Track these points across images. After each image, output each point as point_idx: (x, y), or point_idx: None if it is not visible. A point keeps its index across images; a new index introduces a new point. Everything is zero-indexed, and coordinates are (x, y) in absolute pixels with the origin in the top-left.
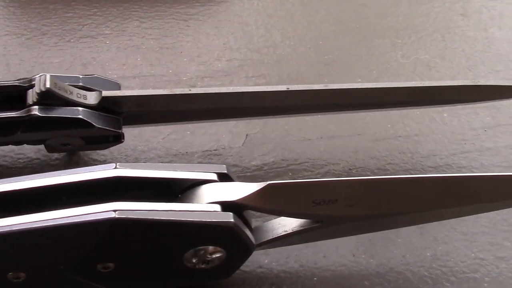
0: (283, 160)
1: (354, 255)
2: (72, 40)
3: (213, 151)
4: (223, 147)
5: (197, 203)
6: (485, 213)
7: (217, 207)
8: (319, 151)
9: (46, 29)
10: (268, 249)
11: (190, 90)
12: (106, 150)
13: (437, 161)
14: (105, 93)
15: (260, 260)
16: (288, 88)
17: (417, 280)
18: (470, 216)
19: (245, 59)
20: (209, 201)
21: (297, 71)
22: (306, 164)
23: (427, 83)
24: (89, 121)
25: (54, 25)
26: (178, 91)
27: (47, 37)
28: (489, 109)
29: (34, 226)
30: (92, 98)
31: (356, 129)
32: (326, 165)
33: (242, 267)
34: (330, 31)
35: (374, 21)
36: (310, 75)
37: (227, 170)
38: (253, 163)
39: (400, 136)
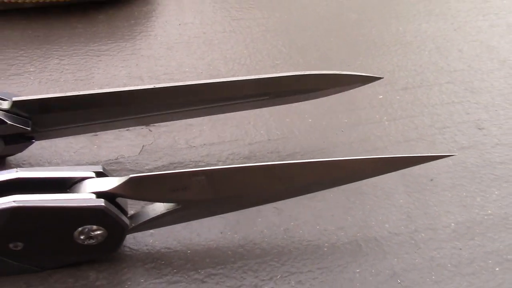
0: (170, 163)
1: (221, 233)
2: (2, 78)
3: (115, 160)
4: (123, 156)
5: (77, 193)
6: (330, 192)
7: (93, 196)
8: (201, 155)
9: None
10: (153, 231)
11: (86, 92)
12: (24, 163)
13: (299, 157)
14: (15, 98)
15: (146, 240)
16: (154, 87)
17: (270, 248)
18: (318, 196)
19: (145, 84)
20: (88, 191)
21: None
22: (189, 166)
23: (267, 75)
24: (1, 118)
25: None
26: (75, 93)
27: None
28: (348, 113)
29: None
30: (5, 104)
31: (234, 136)
32: (206, 166)
33: (131, 246)
34: (221, 64)
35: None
36: None
37: (103, 169)
38: (147, 167)
39: (270, 140)
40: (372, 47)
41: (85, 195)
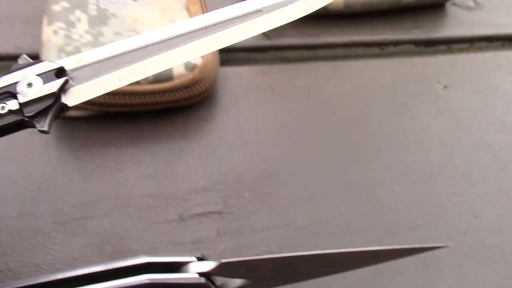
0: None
1: None
2: (111, 173)
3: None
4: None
5: (187, 273)
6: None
7: (197, 275)
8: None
9: (93, 167)
10: None
11: None
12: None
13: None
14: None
15: None
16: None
17: None
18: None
19: (215, 179)
20: (193, 272)
21: None
22: (254, 247)
23: None
24: None
25: (97, 164)
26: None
27: (96, 173)
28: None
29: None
30: None
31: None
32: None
33: None
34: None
35: None
36: None
37: (202, 255)
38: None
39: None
40: (391, 143)
41: (192, 275)
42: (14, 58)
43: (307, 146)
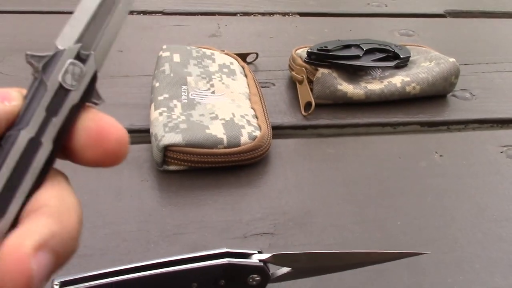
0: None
1: (310, 287)
2: (196, 206)
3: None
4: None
5: (252, 260)
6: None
7: (257, 261)
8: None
9: (184, 202)
10: (274, 285)
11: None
12: None
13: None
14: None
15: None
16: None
17: None
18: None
19: (268, 212)
20: (255, 259)
21: None
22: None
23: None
24: None
25: (188, 199)
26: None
27: (186, 205)
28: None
29: (200, 265)
30: None
31: None
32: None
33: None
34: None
35: None
36: None
37: (260, 249)
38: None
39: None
40: (396, 192)
41: (255, 261)
42: (130, 131)
43: (334, 193)
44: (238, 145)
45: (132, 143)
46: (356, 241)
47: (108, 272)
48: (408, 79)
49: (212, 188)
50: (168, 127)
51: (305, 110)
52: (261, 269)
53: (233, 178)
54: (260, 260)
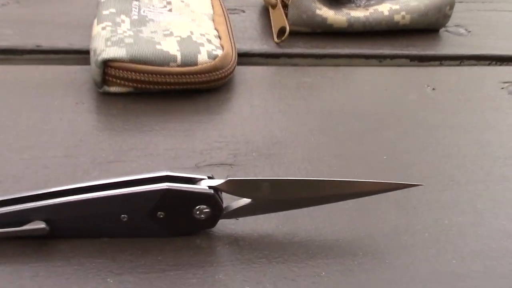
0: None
1: (276, 226)
2: (140, 132)
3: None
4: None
5: (199, 186)
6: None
7: (207, 188)
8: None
9: (126, 127)
10: (235, 221)
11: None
12: None
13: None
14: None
15: (230, 227)
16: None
17: (333, 242)
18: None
19: (230, 142)
20: (204, 185)
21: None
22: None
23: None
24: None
25: (131, 125)
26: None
27: (127, 131)
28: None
29: (128, 191)
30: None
31: None
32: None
33: (220, 228)
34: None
35: None
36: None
37: (211, 175)
38: None
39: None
40: (381, 126)
41: (203, 187)
42: (68, 52)
43: (309, 124)
44: (195, 63)
45: (70, 64)
46: (333, 176)
47: (9, 199)
48: (397, 7)
49: (162, 114)
50: (111, 41)
51: (278, 37)
52: (211, 198)
53: (189, 104)
54: (210, 187)
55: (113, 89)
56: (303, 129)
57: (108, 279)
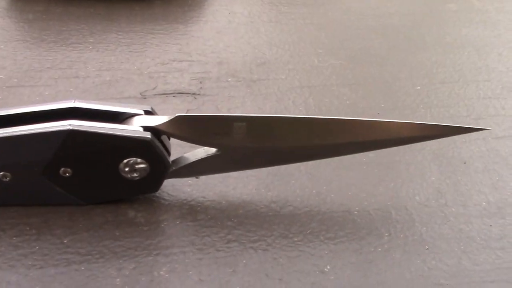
0: None
1: (256, 189)
2: (64, 45)
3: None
4: None
5: (126, 125)
6: (363, 164)
7: (140, 129)
8: None
9: (45, 38)
10: (191, 182)
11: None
12: None
13: None
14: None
15: (184, 189)
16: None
17: (301, 206)
18: (352, 167)
19: (193, 60)
20: (137, 125)
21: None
22: None
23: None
24: None
25: (52, 35)
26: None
27: (45, 43)
28: (385, 98)
29: (9, 134)
30: None
31: (273, 110)
32: None
33: (169, 192)
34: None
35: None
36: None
37: (151, 108)
38: None
39: (308, 115)
40: (412, 45)
41: (134, 127)
42: None
43: (309, 41)
44: None
45: None
46: (348, 111)
47: None
48: None
49: (101, 20)
50: None
51: None
52: (146, 146)
53: (141, 8)
54: (146, 128)
55: None
56: (302, 46)
57: None
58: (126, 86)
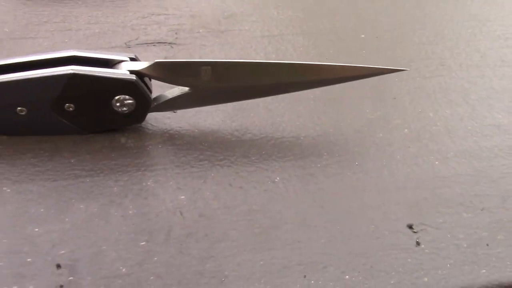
0: None
1: (222, 120)
2: (56, 2)
3: None
4: None
5: (116, 69)
6: (311, 100)
7: (127, 72)
8: None
9: None
10: (170, 115)
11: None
12: None
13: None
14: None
15: (164, 121)
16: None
17: (259, 134)
18: (301, 102)
19: (169, 14)
20: (124, 69)
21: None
22: None
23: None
24: None
25: None
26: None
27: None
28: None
29: (23, 77)
30: None
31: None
32: None
33: (152, 123)
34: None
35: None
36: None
37: (135, 56)
38: None
39: None
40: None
41: (122, 71)
42: None
43: None
44: None
45: None
46: (299, 58)
47: None
48: None
49: None
50: None
51: None
52: (132, 85)
53: None
54: (132, 71)
55: None
56: (264, 0)
57: (4, 188)
58: (113, 37)
